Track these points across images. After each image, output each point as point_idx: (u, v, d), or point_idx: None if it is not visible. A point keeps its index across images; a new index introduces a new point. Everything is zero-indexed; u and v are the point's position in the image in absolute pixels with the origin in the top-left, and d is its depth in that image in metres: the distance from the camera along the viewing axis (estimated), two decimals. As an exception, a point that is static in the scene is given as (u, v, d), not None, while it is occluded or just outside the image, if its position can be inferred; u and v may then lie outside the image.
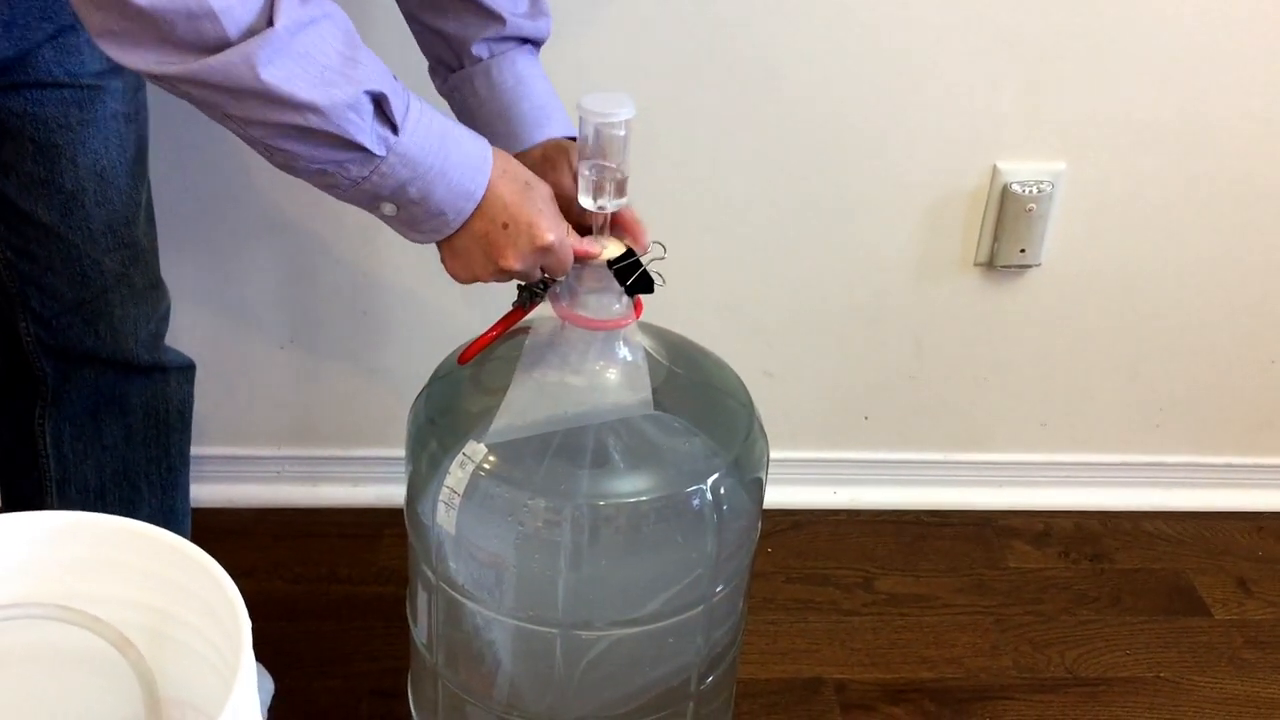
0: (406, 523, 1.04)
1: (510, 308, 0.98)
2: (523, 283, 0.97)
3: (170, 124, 1.20)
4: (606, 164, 0.88)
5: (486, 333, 0.99)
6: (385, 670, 1.36)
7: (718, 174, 1.44)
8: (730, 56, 1.37)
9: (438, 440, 0.96)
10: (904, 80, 1.39)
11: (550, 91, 1.00)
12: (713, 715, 1.11)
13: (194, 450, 1.55)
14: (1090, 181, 1.47)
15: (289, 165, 0.79)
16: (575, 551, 0.93)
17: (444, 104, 1.03)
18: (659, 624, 0.98)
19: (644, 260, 0.93)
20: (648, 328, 1.00)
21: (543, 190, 0.89)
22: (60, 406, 1.12)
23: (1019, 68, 1.39)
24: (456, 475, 0.93)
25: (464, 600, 0.99)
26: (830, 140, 1.42)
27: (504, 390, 0.95)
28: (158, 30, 0.70)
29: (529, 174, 0.89)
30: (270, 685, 1.32)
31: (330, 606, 1.47)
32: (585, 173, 0.89)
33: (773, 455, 1.05)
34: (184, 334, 1.46)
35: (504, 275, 0.90)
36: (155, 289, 1.12)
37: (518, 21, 0.98)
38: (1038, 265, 1.52)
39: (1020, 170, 1.45)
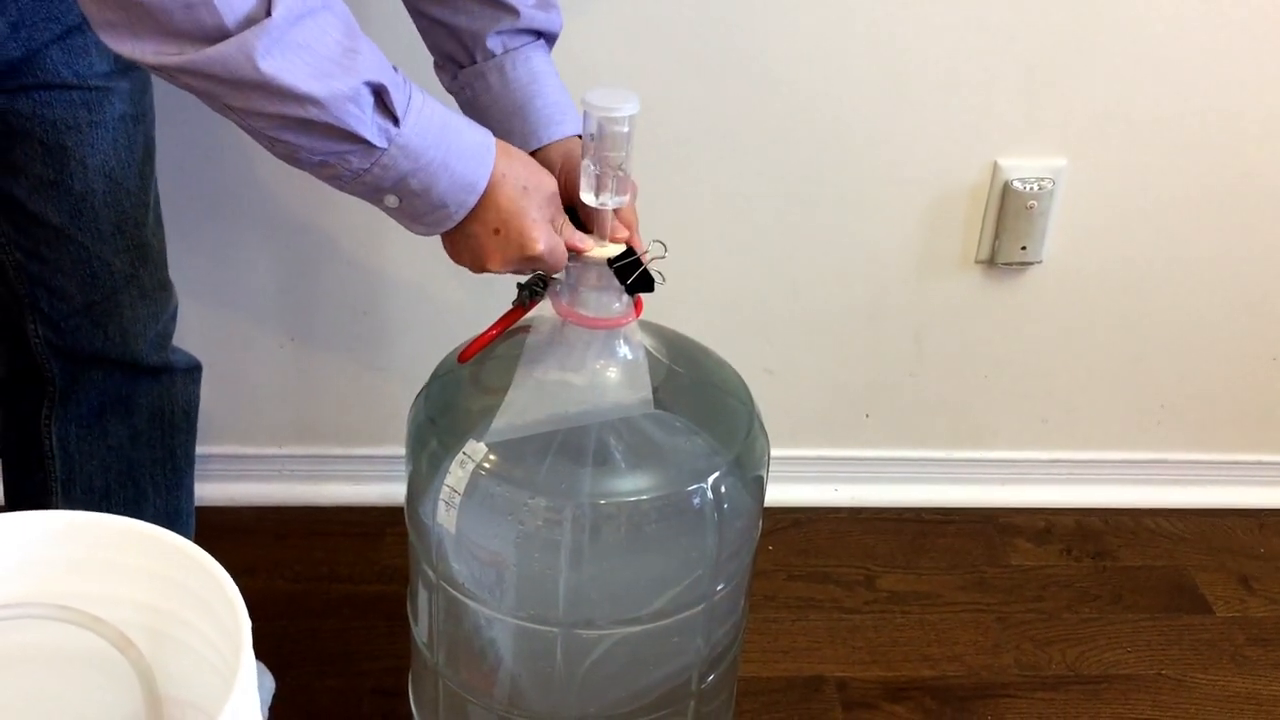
0: (407, 522, 1.04)
1: (510, 306, 0.98)
2: (522, 282, 0.97)
3: (173, 124, 1.20)
4: (610, 160, 0.88)
5: (486, 331, 0.99)
6: (386, 669, 1.36)
7: (718, 171, 1.44)
8: (731, 53, 1.36)
9: (438, 439, 0.96)
10: (905, 77, 1.39)
11: (563, 89, 1.00)
12: (714, 714, 1.11)
13: (197, 449, 1.55)
14: (1091, 178, 1.47)
15: (291, 156, 0.79)
16: (575, 550, 0.92)
17: (451, 101, 1.02)
18: (660, 623, 0.98)
19: (644, 259, 0.92)
20: (648, 326, 1.00)
21: (544, 191, 0.89)
22: (67, 407, 1.12)
23: (1020, 64, 1.39)
24: (457, 474, 0.93)
25: (464, 599, 0.99)
26: (831, 137, 1.42)
27: (504, 389, 0.95)
28: (156, 20, 0.70)
29: (531, 172, 0.88)
30: (271, 684, 1.32)
31: (332, 605, 1.47)
32: (588, 168, 0.89)
33: (774, 453, 1.05)
34: (187, 333, 1.46)
35: (503, 270, 0.90)
36: (164, 290, 1.12)
37: (530, 13, 0.97)
38: (1039, 262, 1.52)
39: (1021, 167, 1.45)
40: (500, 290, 0.98)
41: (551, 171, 0.94)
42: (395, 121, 0.79)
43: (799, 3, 1.34)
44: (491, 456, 0.92)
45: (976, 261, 1.52)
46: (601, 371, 0.95)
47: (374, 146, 0.79)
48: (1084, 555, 1.62)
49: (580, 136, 0.98)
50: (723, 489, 0.95)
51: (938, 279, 1.53)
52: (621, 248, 0.92)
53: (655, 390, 0.96)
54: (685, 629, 1.00)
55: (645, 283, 0.92)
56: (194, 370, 1.19)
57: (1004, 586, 1.56)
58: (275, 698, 1.32)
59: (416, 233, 0.88)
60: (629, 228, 0.93)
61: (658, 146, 1.38)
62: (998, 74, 1.40)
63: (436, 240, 1.00)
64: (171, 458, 1.19)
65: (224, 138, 0.82)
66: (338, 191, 0.84)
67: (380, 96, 0.78)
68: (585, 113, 0.87)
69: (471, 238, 0.87)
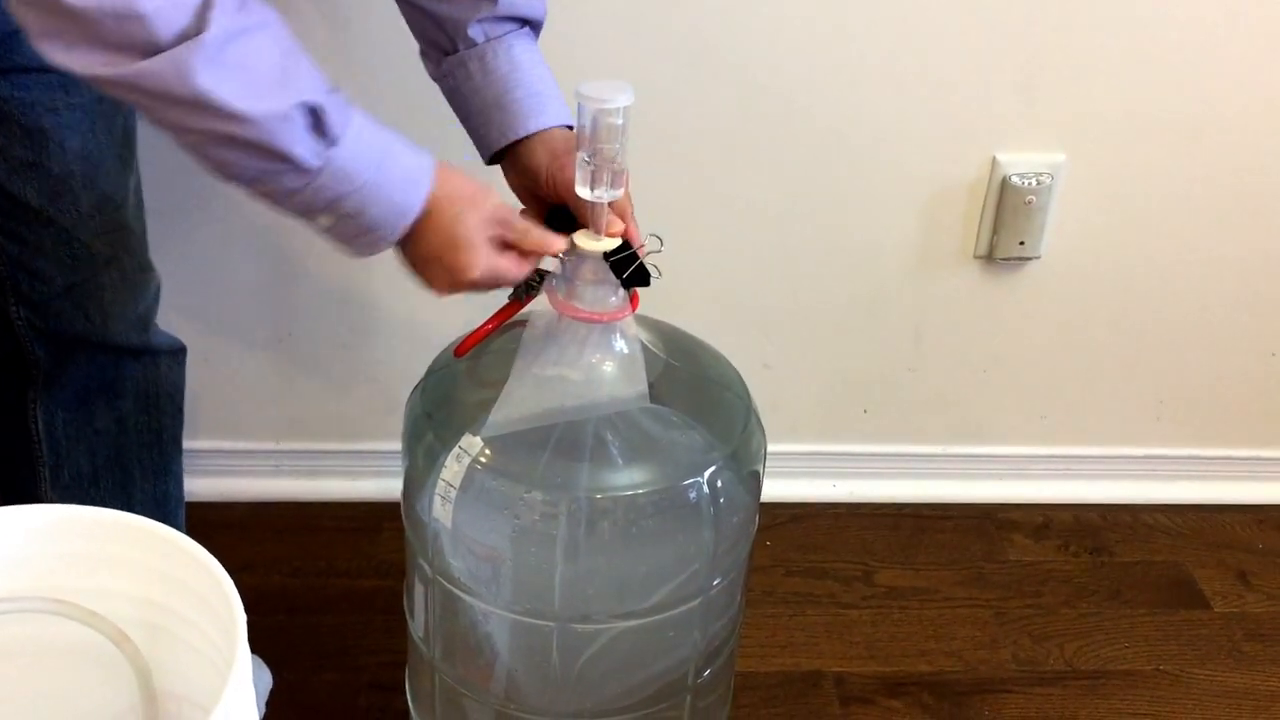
0: (403, 516, 1.04)
1: (507, 300, 0.98)
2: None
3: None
4: (604, 152, 0.88)
5: (483, 326, 0.99)
6: (383, 664, 1.36)
7: (716, 166, 1.44)
8: (729, 48, 1.36)
9: (434, 433, 0.96)
10: (904, 72, 1.39)
11: (548, 79, 0.99)
12: (711, 708, 1.11)
13: (192, 444, 1.55)
14: (1090, 173, 1.47)
15: (223, 173, 0.79)
16: (571, 544, 0.92)
17: (437, 90, 1.02)
18: (656, 617, 0.98)
19: (640, 253, 0.92)
20: (645, 320, 1.00)
21: (482, 212, 0.88)
22: (52, 391, 1.12)
23: (1019, 59, 1.39)
24: (453, 469, 0.93)
25: (461, 594, 0.99)
26: (829, 132, 1.42)
27: (500, 383, 0.95)
28: (87, 31, 0.70)
29: (471, 193, 0.88)
30: (268, 678, 1.32)
31: (328, 600, 1.47)
32: (583, 161, 0.89)
33: (772, 448, 1.05)
34: (182, 327, 1.46)
35: (472, 289, 0.90)
36: (145, 272, 1.11)
37: (510, 0, 0.97)
38: (1037, 258, 1.52)
39: (1020, 162, 1.45)
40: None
41: (532, 167, 0.94)
42: (331, 143, 0.78)
43: (800, 1, 1.34)
44: (487, 451, 0.92)
45: (975, 257, 1.52)
46: (598, 366, 0.95)
47: (307, 167, 0.78)
48: (1082, 551, 1.62)
49: (569, 128, 0.97)
50: (719, 483, 0.95)
51: (936, 274, 1.52)
52: (617, 241, 0.92)
53: (651, 385, 0.96)
54: (682, 623, 1.00)
55: (641, 277, 0.92)
56: (178, 352, 1.19)
57: (1002, 582, 1.56)
58: (272, 693, 1.32)
59: (349, 255, 0.87)
60: (623, 217, 0.93)
61: (655, 142, 1.38)
62: (997, 69, 1.40)
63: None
64: (159, 442, 1.19)
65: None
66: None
67: (316, 117, 0.77)
68: (579, 105, 0.87)
69: (414, 263, 0.88)
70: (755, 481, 1.02)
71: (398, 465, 1.04)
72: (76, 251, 1.04)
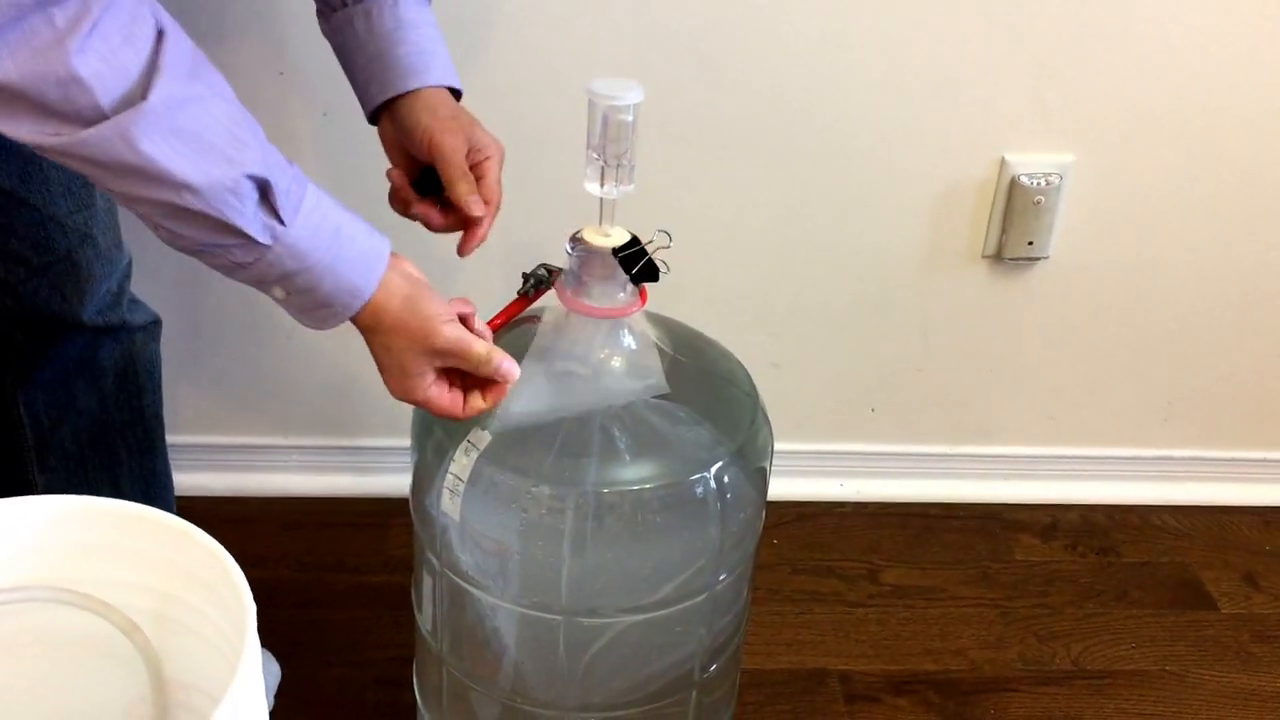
0: (412, 510, 1.05)
1: (515, 296, 0.99)
2: (527, 271, 0.97)
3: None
4: (613, 149, 0.88)
5: (491, 321, 0.99)
6: (391, 658, 1.37)
7: (725, 166, 1.44)
8: (738, 48, 1.37)
9: (443, 428, 0.96)
10: (913, 72, 1.39)
11: (435, 39, 0.98)
12: (716, 704, 1.12)
13: (203, 439, 1.57)
14: (1099, 174, 1.47)
15: (176, 243, 0.78)
16: (578, 539, 0.93)
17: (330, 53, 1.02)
18: (662, 612, 0.99)
19: (649, 249, 0.93)
20: (653, 316, 1.00)
21: (427, 345, 0.86)
22: (32, 376, 1.12)
23: (1028, 59, 1.39)
24: (461, 462, 0.93)
25: (469, 587, 0.99)
26: (838, 131, 1.42)
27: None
28: (30, 100, 0.69)
29: (422, 285, 0.87)
30: (276, 671, 1.33)
31: (337, 595, 1.47)
32: (592, 158, 0.89)
33: (779, 447, 1.05)
34: (195, 324, 1.47)
35: (429, 401, 0.88)
36: (118, 248, 1.11)
37: None
38: (1046, 258, 1.52)
39: (1028, 162, 1.45)
40: (506, 280, 0.98)
41: (409, 125, 0.94)
42: (281, 220, 0.77)
43: (807, 1, 1.35)
44: (496, 445, 0.93)
45: (983, 257, 1.52)
46: (606, 360, 0.96)
47: (257, 243, 0.77)
48: (1089, 551, 1.62)
49: (452, 91, 0.98)
50: (725, 479, 0.95)
51: (944, 274, 1.53)
52: (627, 237, 0.92)
53: (659, 380, 0.97)
54: (688, 618, 1.01)
55: (650, 272, 0.93)
56: (151, 326, 1.18)
57: (1008, 582, 1.56)
58: (280, 686, 1.32)
59: (306, 325, 0.86)
60: (488, 201, 0.95)
61: (665, 141, 1.39)
62: (1005, 69, 1.40)
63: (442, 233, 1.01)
64: (141, 419, 1.19)
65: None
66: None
67: (265, 191, 0.76)
68: (590, 102, 0.87)
69: (371, 347, 0.87)
70: (762, 478, 1.02)
71: (406, 461, 1.04)
72: (51, 231, 1.04)
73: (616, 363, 0.96)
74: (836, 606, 1.51)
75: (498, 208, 0.98)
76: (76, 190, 1.05)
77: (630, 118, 0.87)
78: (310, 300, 0.82)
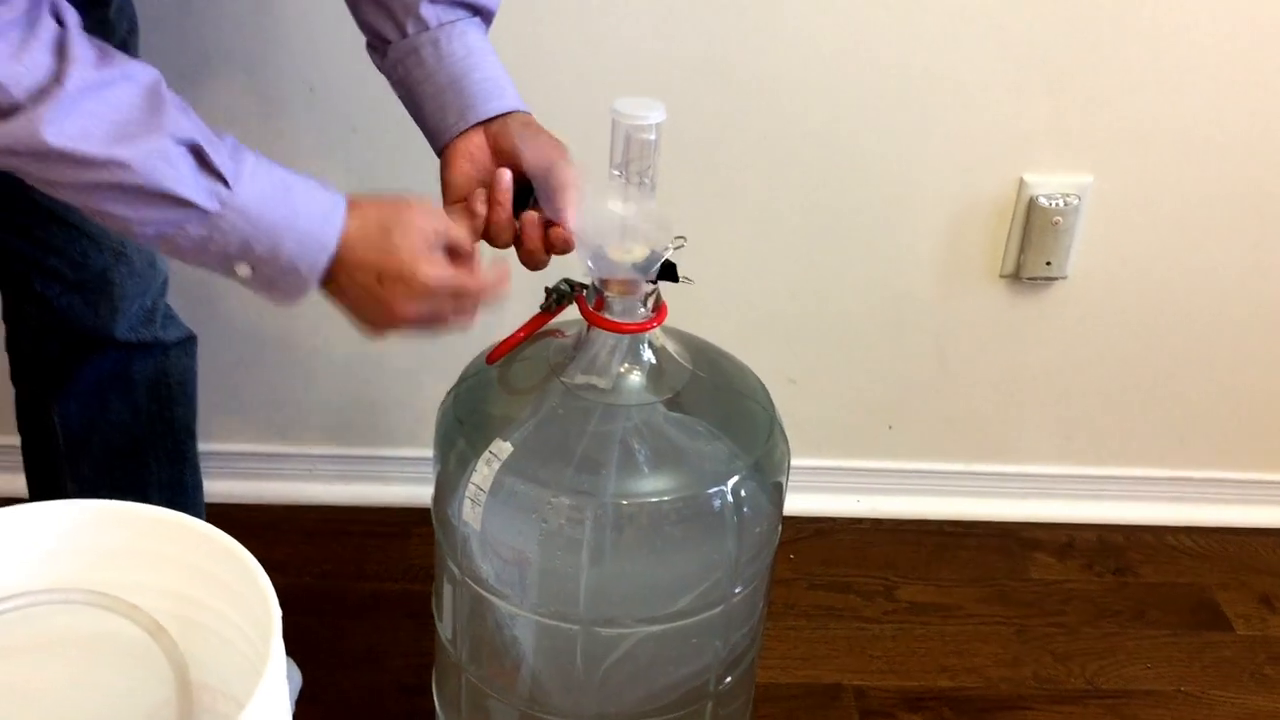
0: (434, 519, 1.06)
1: (538, 310, 1.00)
2: (549, 285, 0.98)
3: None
4: (635, 168, 0.90)
5: (514, 334, 1.01)
6: (411, 666, 1.38)
7: (744, 184, 1.45)
8: (759, 66, 1.38)
9: (465, 439, 0.98)
10: (932, 91, 1.40)
11: (501, 67, 0.96)
12: (731, 717, 1.12)
13: (228, 447, 1.58)
14: (1117, 195, 1.48)
15: (125, 230, 0.78)
16: (597, 549, 0.94)
17: (384, 83, 1.00)
18: (679, 623, 0.99)
19: (668, 250, 0.93)
20: (672, 331, 1.01)
21: (413, 224, 0.84)
22: (66, 387, 1.14)
23: (1046, 80, 1.40)
24: (483, 473, 0.95)
25: (488, 596, 1.00)
26: (858, 150, 1.44)
27: (530, 391, 0.97)
28: None
29: (393, 211, 0.85)
30: (298, 677, 1.34)
31: (359, 602, 1.49)
32: (614, 177, 0.91)
33: (796, 463, 1.06)
34: (223, 334, 1.48)
35: (413, 326, 0.87)
36: (152, 266, 1.13)
37: None
38: (1064, 278, 1.52)
39: (1047, 183, 1.46)
40: (529, 294, 1.00)
41: (508, 147, 0.92)
42: (225, 182, 0.77)
43: (828, 18, 1.35)
44: (517, 456, 0.94)
45: (1001, 276, 1.53)
46: (626, 375, 0.97)
47: (204, 210, 0.77)
48: (1105, 571, 1.62)
49: (524, 113, 0.95)
50: (742, 492, 0.96)
51: (962, 292, 1.53)
52: (647, 252, 0.93)
53: (677, 394, 0.98)
54: (704, 630, 1.02)
55: (669, 272, 0.94)
56: (186, 342, 1.19)
57: (1024, 600, 1.56)
58: (301, 692, 1.34)
59: (278, 303, 0.85)
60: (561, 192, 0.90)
61: (684, 158, 1.39)
62: (1024, 90, 1.41)
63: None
64: (171, 431, 1.21)
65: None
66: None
67: (200, 156, 0.76)
68: (613, 121, 0.89)
69: (347, 300, 0.85)
70: (778, 492, 1.03)
71: (427, 471, 1.06)
72: (87, 249, 1.06)
73: (635, 377, 0.97)
74: (852, 622, 1.52)
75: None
76: None
77: (653, 137, 0.89)
78: (275, 268, 0.81)
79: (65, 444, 1.17)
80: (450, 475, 0.99)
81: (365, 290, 0.85)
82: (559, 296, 0.99)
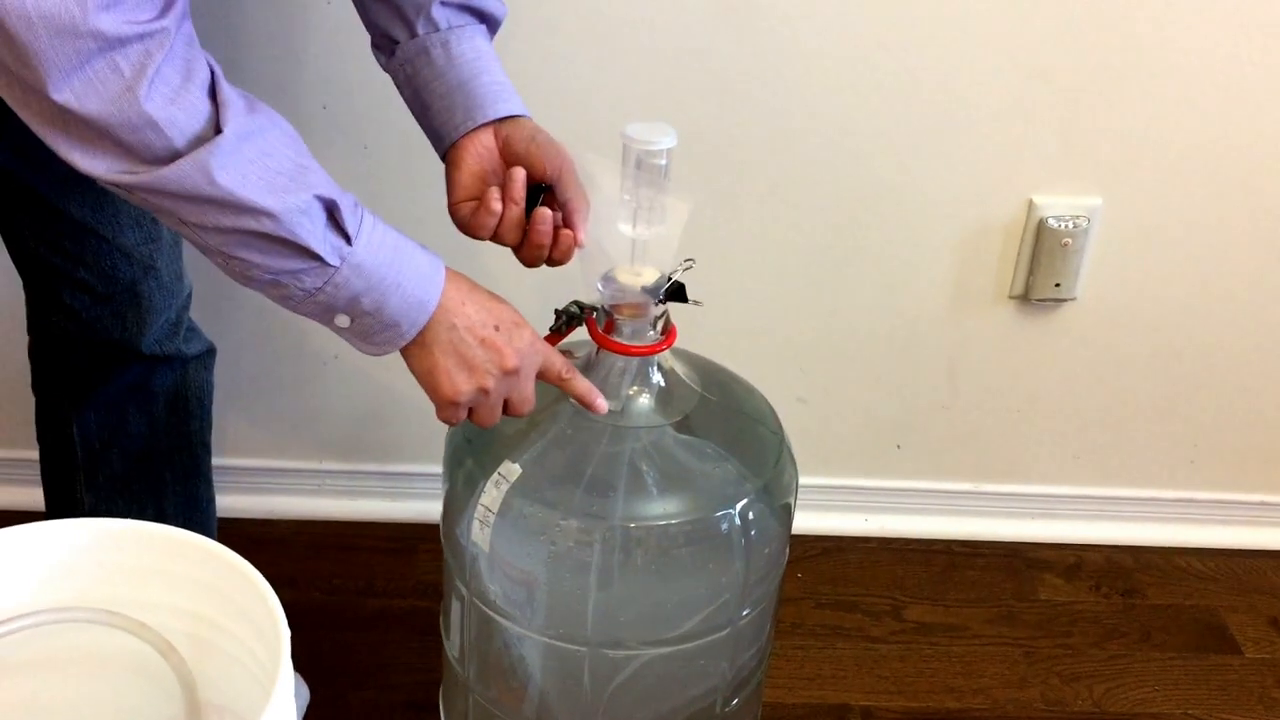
0: (442, 539, 1.06)
1: (547, 332, 1.00)
2: (559, 308, 0.99)
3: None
4: (646, 192, 0.90)
5: (524, 355, 1.01)
6: (419, 683, 1.38)
7: (753, 205, 1.46)
8: (769, 87, 1.38)
9: (474, 459, 0.98)
10: (941, 113, 1.41)
11: (505, 73, 0.98)
12: (738, 737, 1.13)
13: (238, 462, 1.59)
14: (1127, 217, 1.48)
15: (245, 275, 0.80)
16: (605, 572, 0.94)
17: (395, 102, 1.00)
18: (686, 645, 1.00)
19: (676, 272, 0.94)
20: (681, 353, 1.02)
21: (506, 313, 0.89)
22: (88, 397, 1.15)
23: (1056, 102, 1.40)
24: (491, 494, 0.95)
25: (496, 616, 1.01)
26: (867, 172, 1.44)
27: (539, 412, 0.97)
28: (107, 141, 0.72)
29: (488, 294, 0.89)
30: (306, 694, 1.34)
31: (366, 619, 1.49)
32: (625, 200, 0.91)
33: (804, 482, 1.06)
34: (235, 348, 1.49)
35: (481, 394, 0.89)
36: (179, 280, 1.14)
37: None
38: (1073, 299, 1.52)
39: (1056, 205, 1.46)
40: (539, 316, 1.00)
41: (520, 150, 0.93)
42: (347, 239, 0.80)
43: (838, 40, 1.36)
44: (525, 477, 0.95)
45: (1010, 297, 1.53)
46: (635, 397, 0.97)
47: (327, 264, 0.79)
48: (1113, 592, 1.62)
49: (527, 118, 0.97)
50: (751, 515, 0.96)
51: (971, 313, 1.54)
52: (657, 274, 0.93)
53: (687, 417, 0.98)
54: (711, 652, 1.02)
55: (678, 293, 0.94)
56: (204, 356, 1.20)
57: (1032, 621, 1.56)
58: (309, 708, 1.34)
59: (366, 353, 0.87)
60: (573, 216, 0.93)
61: (694, 179, 1.40)
62: (1034, 112, 1.41)
63: (480, 259, 1.02)
64: (188, 445, 1.21)
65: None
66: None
67: (331, 213, 0.79)
68: (624, 146, 0.89)
69: (426, 365, 0.88)
70: (786, 514, 1.04)
71: (436, 488, 1.06)
72: (117, 262, 1.07)
73: (645, 399, 0.97)
74: (859, 642, 1.51)
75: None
76: (145, 223, 1.07)
77: (664, 161, 0.89)
78: (376, 322, 0.84)
79: (82, 455, 1.17)
80: (458, 495, 0.99)
81: (464, 344, 0.87)
82: (568, 319, 0.99)
